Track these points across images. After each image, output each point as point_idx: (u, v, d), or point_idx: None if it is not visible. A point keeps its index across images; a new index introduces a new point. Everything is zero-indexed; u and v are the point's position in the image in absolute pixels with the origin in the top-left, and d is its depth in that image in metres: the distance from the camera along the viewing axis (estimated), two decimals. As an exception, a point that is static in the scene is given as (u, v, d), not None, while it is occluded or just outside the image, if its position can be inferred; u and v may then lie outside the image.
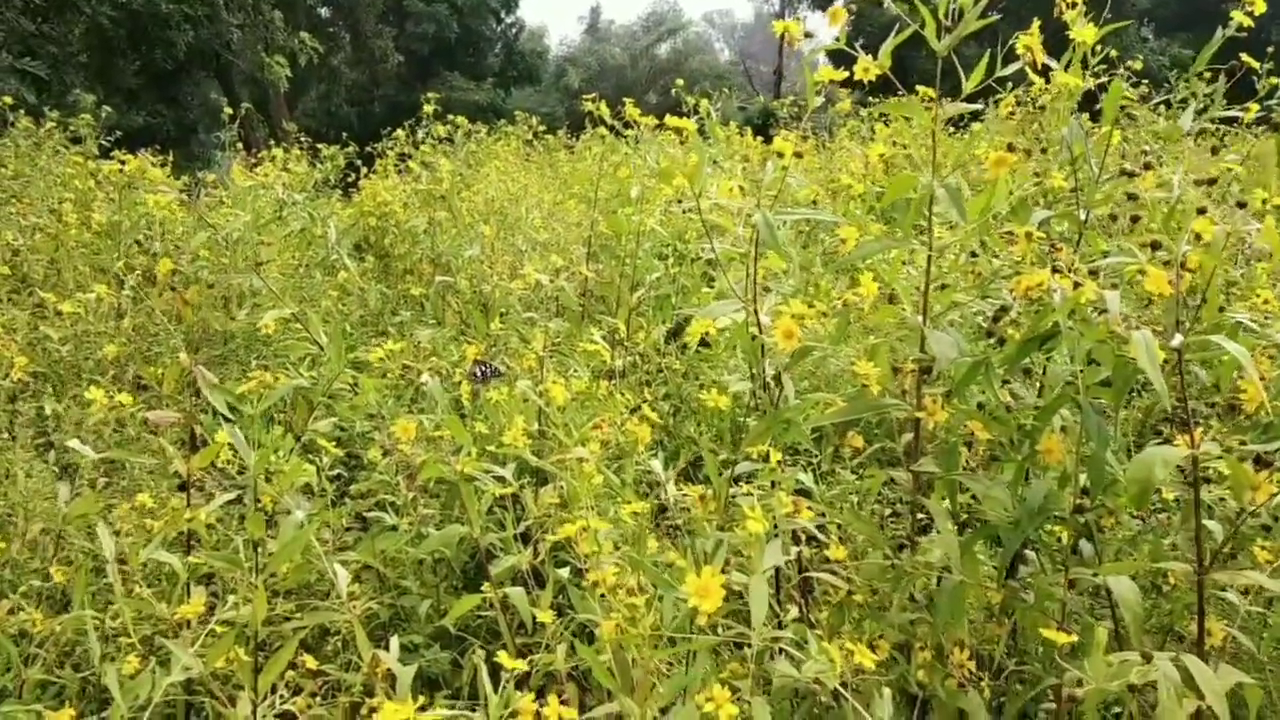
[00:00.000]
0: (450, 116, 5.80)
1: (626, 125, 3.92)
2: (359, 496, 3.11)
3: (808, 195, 1.83)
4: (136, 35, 14.09)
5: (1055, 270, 1.44)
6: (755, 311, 1.71)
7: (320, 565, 2.26)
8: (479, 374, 2.29)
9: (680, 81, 4.69)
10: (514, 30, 30.54)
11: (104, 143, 5.75)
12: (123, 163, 4.39)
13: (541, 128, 8.16)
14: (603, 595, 1.61)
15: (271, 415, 3.65)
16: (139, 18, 13.64)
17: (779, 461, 1.61)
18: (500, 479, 2.33)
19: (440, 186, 4.40)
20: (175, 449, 2.59)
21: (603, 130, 3.84)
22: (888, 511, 2.17)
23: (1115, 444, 1.44)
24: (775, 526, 1.57)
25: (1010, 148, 1.57)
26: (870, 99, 5.78)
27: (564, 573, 2.28)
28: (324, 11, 23.39)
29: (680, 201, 3.91)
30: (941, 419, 1.71)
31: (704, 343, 3.80)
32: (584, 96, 3.93)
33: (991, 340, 1.61)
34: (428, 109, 4.68)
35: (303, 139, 7.10)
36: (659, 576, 1.43)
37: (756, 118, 22.78)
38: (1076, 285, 1.37)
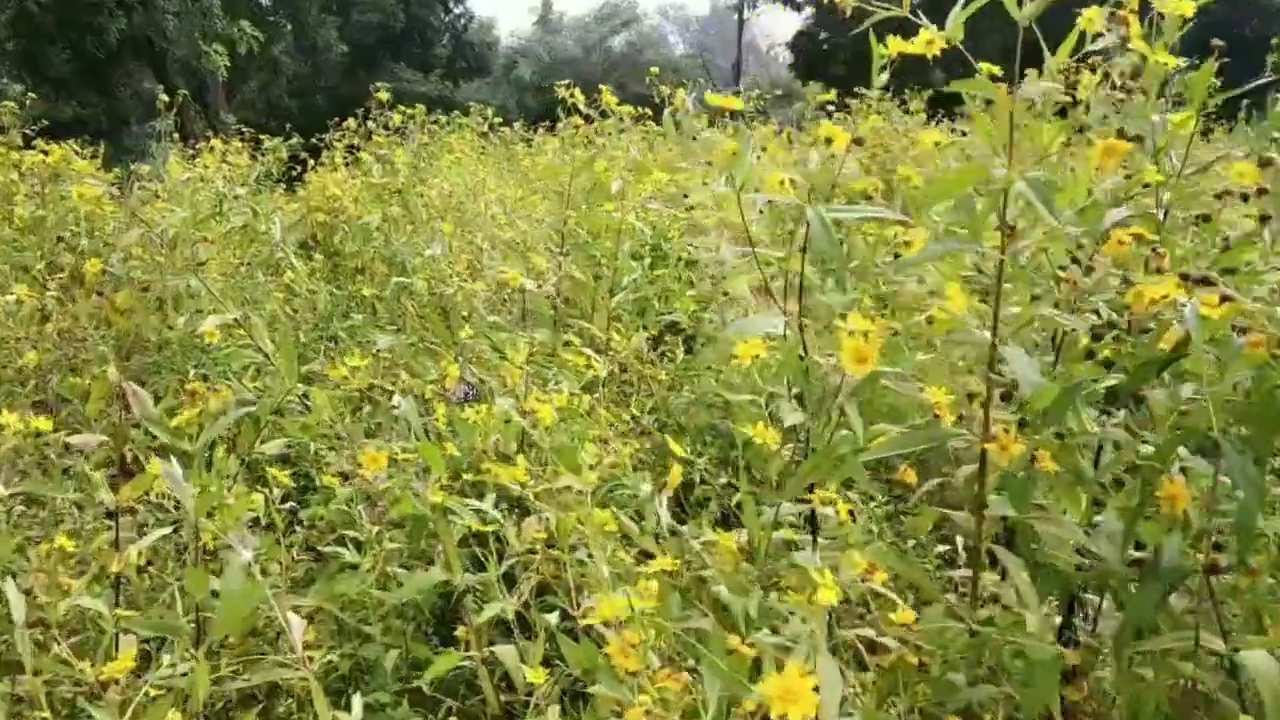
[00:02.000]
0: (402, 106, 5.46)
1: (603, 114, 3.63)
2: (311, 525, 2.79)
3: (862, 188, 1.56)
4: (66, 22, 13.47)
5: (1185, 279, 1.18)
6: (801, 328, 1.44)
7: (269, 612, 1.94)
8: (461, 396, 1.99)
9: (655, 70, 4.41)
10: (462, 21, 29.98)
11: (30, 133, 5.34)
12: (45, 152, 4.01)
13: (497, 119, 7.83)
14: (627, 672, 1.32)
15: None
16: (69, 3, 13.05)
17: (839, 507, 1.33)
18: (479, 513, 2.03)
19: (396, 179, 4.06)
20: (101, 475, 2.25)
21: (578, 120, 3.54)
22: (938, 548, 1.90)
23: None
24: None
25: (1121, 134, 1.32)
26: (834, 90, 5.53)
27: (552, 618, 1.99)
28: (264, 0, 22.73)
29: (681, 196, 3.63)
30: (1017, 453, 1.45)
31: (689, 349, 3.52)
32: (556, 84, 3.63)
33: (1090, 362, 1.35)
34: (382, 95, 4.33)
35: (243, 130, 6.69)
36: (712, 663, 1.15)
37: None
38: (1224, 299, 1.11)
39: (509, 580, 2.22)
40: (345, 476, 2.40)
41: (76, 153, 5.87)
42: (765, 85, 7.57)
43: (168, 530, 2.13)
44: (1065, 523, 1.45)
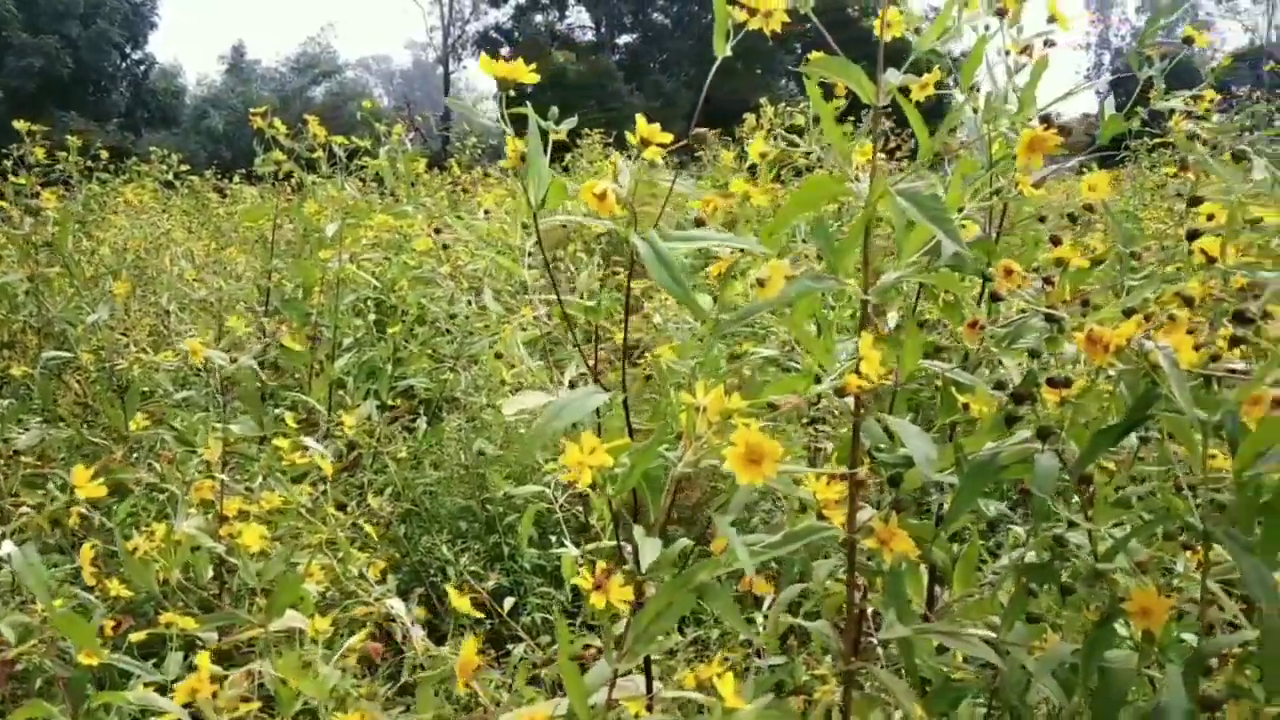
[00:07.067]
0: (68, 155, 4.60)
1: (310, 150, 3.08)
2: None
3: (699, 208, 1.16)
4: None
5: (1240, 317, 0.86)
6: (626, 405, 1.01)
7: None
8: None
9: (369, 103, 3.87)
10: (142, 67, 27.77)
11: None
12: None
13: (184, 167, 6.97)
14: None
15: None
16: None
17: (726, 684, 0.89)
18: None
19: (46, 230, 3.31)
20: None
21: (279, 154, 2.97)
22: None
23: None
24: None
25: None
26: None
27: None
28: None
29: (404, 245, 3.13)
30: (905, 548, 1.09)
31: (436, 415, 3.02)
32: (252, 112, 3.04)
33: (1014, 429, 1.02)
34: (22, 125, 3.55)
35: None
36: None
37: (430, 164, 22.05)
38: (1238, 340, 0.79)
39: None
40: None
41: None
42: (474, 137, 7.21)
43: None
44: (974, 639, 1.10)
